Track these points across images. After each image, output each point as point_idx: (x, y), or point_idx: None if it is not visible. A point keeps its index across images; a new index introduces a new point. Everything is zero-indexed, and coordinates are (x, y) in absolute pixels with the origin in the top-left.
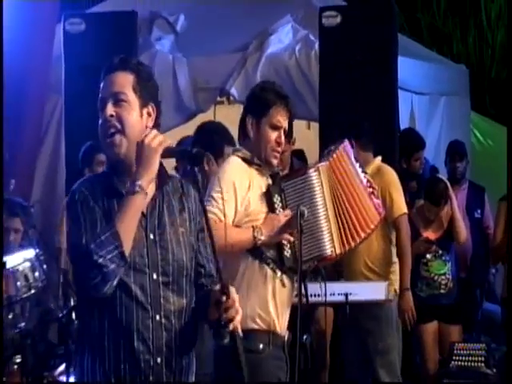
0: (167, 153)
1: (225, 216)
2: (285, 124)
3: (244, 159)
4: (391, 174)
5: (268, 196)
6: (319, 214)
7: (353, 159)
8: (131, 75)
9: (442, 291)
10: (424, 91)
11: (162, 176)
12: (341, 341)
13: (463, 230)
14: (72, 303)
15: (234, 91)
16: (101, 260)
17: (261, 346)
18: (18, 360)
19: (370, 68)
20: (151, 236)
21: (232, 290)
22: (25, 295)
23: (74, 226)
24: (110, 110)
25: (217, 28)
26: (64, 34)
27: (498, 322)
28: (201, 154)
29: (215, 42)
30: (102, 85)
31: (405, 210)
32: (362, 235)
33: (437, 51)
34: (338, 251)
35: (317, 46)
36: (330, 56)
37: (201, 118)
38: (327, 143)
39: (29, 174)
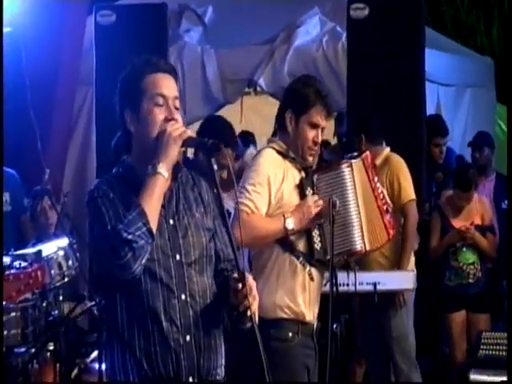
0: (187, 143)
1: (257, 208)
2: (323, 123)
3: (279, 152)
4: (399, 162)
5: (300, 188)
6: (351, 208)
7: (373, 171)
8: (175, 82)
9: (471, 280)
10: (450, 83)
11: (177, 167)
12: (357, 329)
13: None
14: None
15: (261, 82)
16: (130, 236)
17: (290, 334)
18: (51, 348)
19: (398, 60)
20: (171, 222)
21: (249, 277)
22: (58, 283)
23: (96, 218)
24: (175, 113)
25: (245, 20)
26: (95, 26)
27: None
28: (216, 145)
29: (243, 34)
30: (154, 78)
31: (413, 196)
32: (378, 244)
33: (461, 44)
34: (367, 247)
35: (344, 38)
36: (357, 48)
37: (228, 109)
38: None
39: (60, 165)
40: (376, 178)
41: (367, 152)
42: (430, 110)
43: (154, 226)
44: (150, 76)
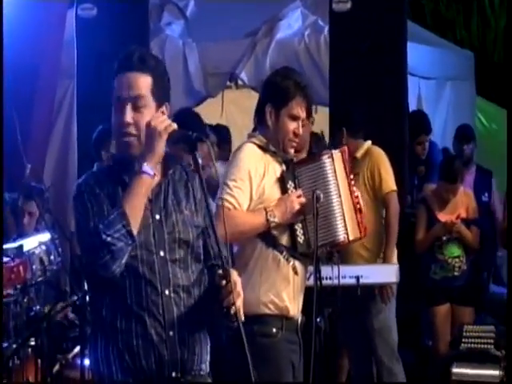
0: (171, 137)
1: (239, 204)
2: (303, 115)
3: (259, 146)
4: (380, 154)
5: (282, 182)
6: (333, 199)
7: (349, 166)
8: (150, 77)
9: (456, 273)
10: (431, 76)
11: (167, 162)
12: (340, 323)
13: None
14: (86, 286)
15: (243, 76)
16: (109, 239)
17: (274, 330)
18: (33, 343)
19: (380, 53)
20: (157, 217)
21: (233, 273)
22: (40, 278)
23: (81, 213)
24: (129, 116)
25: (226, 13)
26: (76, 19)
27: (504, 304)
28: (199, 139)
29: (225, 27)
30: (117, 81)
31: (394, 187)
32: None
33: (440, 37)
34: (351, 237)
35: (326, 31)
36: (340, 41)
37: (210, 103)
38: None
39: (40, 159)
40: (352, 176)
41: (345, 147)
42: (412, 103)
43: (135, 226)
44: (117, 78)
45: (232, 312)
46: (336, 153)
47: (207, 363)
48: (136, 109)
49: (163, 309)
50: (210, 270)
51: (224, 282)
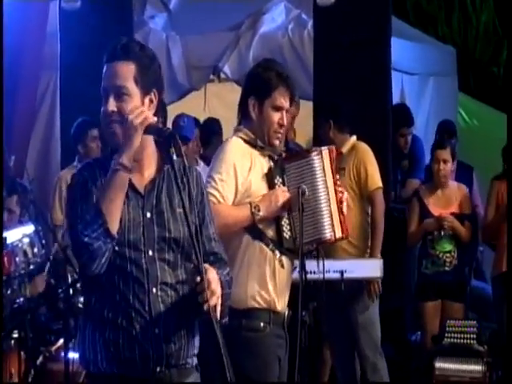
0: (148, 130)
1: (223, 198)
2: (287, 105)
3: (245, 140)
4: (366, 150)
5: (269, 177)
6: (320, 196)
7: (336, 165)
8: (133, 65)
9: (447, 268)
10: (413, 71)
11: (164, 158)
12: (323, 317)
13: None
14: (70, 279)
15: (226, 69)
16: (86, 239)
17: (261, 324)
18: (16, 335)
19: (364, 47)
20: (148, 215)
21: (210, 271)
22: (23, 271)
23: (71, 208)
24: (112, 105)
25: (210, 6)
26: (60, 11)
27: (485, 299)
28: (172, 134)
29: (208, 20)
30: (104, 72)
31: (379, 184)
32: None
33: (422, 32)
34: (337, 235)
35: (310, 25)
36: (323, 35)
37: (193, 96)
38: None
39: (23, 150)
40: (338, 176)
41: (332, 146)
42: (395, 98)
43: (113, 224)
44: (104, 67)
45: (205, 309)
46: (325, 149)
47: (194, 357)
48: (119, 97)
49: (149, 306)
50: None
51: (198, 279)
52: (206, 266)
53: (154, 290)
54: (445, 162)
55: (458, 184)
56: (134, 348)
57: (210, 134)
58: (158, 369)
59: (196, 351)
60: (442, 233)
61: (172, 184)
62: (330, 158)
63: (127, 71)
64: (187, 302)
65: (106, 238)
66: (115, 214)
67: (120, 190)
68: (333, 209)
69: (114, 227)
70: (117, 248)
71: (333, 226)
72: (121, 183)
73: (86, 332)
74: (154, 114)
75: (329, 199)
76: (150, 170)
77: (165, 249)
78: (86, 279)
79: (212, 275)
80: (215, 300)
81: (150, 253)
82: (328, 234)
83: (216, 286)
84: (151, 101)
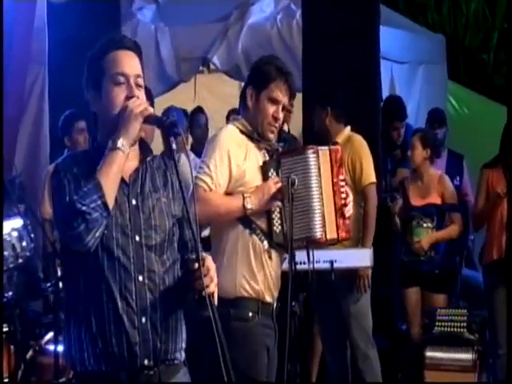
0: (147, 120)
1: (215, 184)
2: (284, 100)
3: (242, 131)
4: (361, 143)
5: (264, 170)
6: (313, 194)
7: (339, 167)
8: (139, 60)
9: (422, 258)
10: (403, 60)
11: (145, 150)
12: (314, 307)
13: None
14: (59, 273)
15: (215, 60)
16: (84, 208)
17: (250, 314)
18: (5, 329)
19: (353, 37)
20: (133, 202)
21: (208, 259)
22: (12, 265)
23: (58, 190)
24: (136, 91)
25: None
26: (47, 4)
27: (475, 288)
28: (172, 123)
29: (197, 11)
30: (114, 57)
31: (373, 179)
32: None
33: (412, 21)
34: (328, 236)
35: (298, 15)
36: (312, 25)
37: (182, 87)
38: (310, 113)
39: (11, 144)
40: (341, 177)
41: (338, 147)
42: (385, 87)
43: (110, 200)
44: (111, 54)
45: (203, 294)
46: (322, 149)
47: (182, 351)
48: (137, 85)
49: (136, 295)
50: (185, 263)
51: (196, 265)
52: (204, 254)
53: (141, 277)
54: (413, 148)
55: (441, 174)
56: (122, 340)
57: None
58: (146, 362)
59: (184, 345)
60: (420, 222)
61: (156, 175)
62: (333, 158)
63: (139, 64)
64: (173, 291)
65: (103, 212)
66: (112, 190)
67: (118, 170)
68: (326, 210)
69: (111, 203)
70: (105, 231)
71: (324, 226)
72: (119, 163)
73: (71, 329)
74: None
75: (322, 198)
76: (133, 160)
77: (151, 236)
78: (72, 266)
79: (210, 263)
80: (213, 287)
81: (137, 238)
82: (318, 234)
83: (214, 274)
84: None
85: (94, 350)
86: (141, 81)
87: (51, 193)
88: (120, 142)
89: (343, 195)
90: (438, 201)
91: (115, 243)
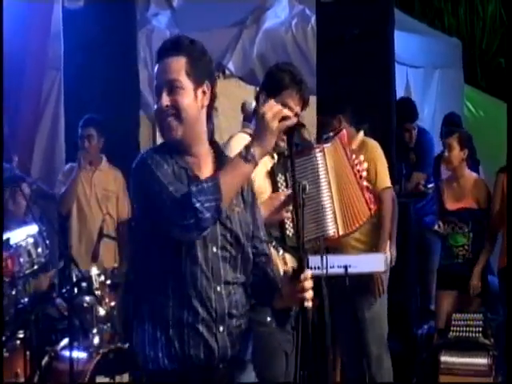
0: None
1: None
2: (296, 109)
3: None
4: (376, 147)
5: (272, 175)
6: (323, 193)
7: (351, 149)
8: (183, 58)
9: (460, 261)
10: (419, 64)
11: (220, 158)
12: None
13: None
14: (74, 278)
15: (230, 66)
16: (198, 205)
17: (268, 318)
18: (21, 335)
19: (367, 42)
20: None
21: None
22: (28, 271)
23: (152, 180)
24: (166, 100)
25: (213, 3)
26: (63, 11)
27: (492, 293)
28: (299, 124)
29: (212, 16)
30: (155, 71)
31: (388, 183)
32: (357, 224)
33: (428, 24)
34: (340, 232)
35: (313, 20)
36: (326, 30)
37: None
38: (325, 118)
39: (28, 151)
40: (354, 156)
41: (343, 130)
42: (400, 91)
43: (224, 205)
44: (155, 67)
45: (304, 298)
46: (329, 146)
47: (249, 350)
48: (172, 91)
49: (216, 304)
50: (256, 266)
51: (302, 276)
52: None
53: (219, 288)
54: (450, 149)
55: (478, 177)
56: (200, 345)
57: None
58: (221, 365)
59: (250, 344)
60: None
61: None
62: (343, 144)
63: (178, 65)
64: (247, 300)
65: (215, 214)
66: (229, 198)
67: (242, 180)
68: (336, 205)
69: (223, 208)
70: None
71: (336, 222)
72: (245, 174)
73: (146, 328)
74: (208, 106)
75: (331, 196)
76: (207, 168)
77: (226, 247)
78: (150, 265)
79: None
80: (311, 293)
81: (214, 249)
82: (331, 231)
83: (311, 282)
84: (204, 93)
85: (168, 351)
86: (177, 83)
87: (138, 186)
88: (252, 154)
89: (364, 173)
90: (473, 205)
91: (199, 251)
